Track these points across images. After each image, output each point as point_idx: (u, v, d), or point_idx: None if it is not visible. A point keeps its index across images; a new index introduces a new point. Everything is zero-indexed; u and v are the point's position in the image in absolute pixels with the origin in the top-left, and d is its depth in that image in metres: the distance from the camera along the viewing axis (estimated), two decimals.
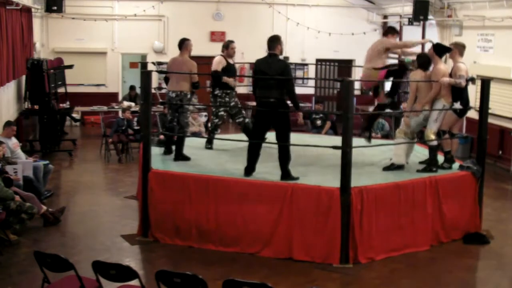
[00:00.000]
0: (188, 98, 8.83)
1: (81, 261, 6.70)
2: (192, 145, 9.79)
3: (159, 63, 11.02)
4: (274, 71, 7.54)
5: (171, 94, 8.79)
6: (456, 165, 8.49)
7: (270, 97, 7.54)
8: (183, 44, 8.93)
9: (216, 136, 9.78)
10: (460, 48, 8.25)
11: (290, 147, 7.74)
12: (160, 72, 11.61)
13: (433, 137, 8.17)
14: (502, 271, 7.37)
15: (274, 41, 7.76)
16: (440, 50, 8.21)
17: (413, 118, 8.26)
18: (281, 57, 7.90)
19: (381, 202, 7.43)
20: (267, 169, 7.89)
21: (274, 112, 7.54)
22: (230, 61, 9.52)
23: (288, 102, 7.72)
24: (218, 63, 9.41)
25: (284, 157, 7.72)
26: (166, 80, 9.24)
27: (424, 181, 7.81)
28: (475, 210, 8.33)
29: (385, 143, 9.87)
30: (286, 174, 7.69)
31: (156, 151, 8.98)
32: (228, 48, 9.49)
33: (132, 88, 16.22)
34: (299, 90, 16.90)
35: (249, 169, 7.82)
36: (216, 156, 9.09)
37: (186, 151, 9.32)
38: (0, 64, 10.14)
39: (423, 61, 8.26)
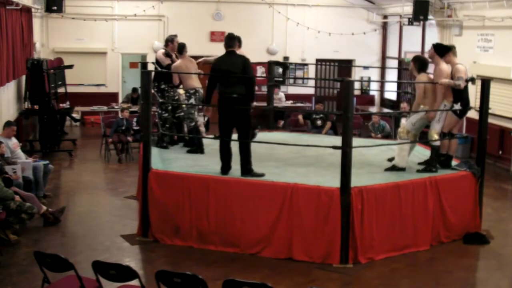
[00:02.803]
0: None
1: (81, 261, 6.70)
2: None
3: None
4: (236, 67, 7.70)
5: (202, 90, 9.18)
6: (454, 163, 8.50)
7: (233, 93, 7.67)
8: (185, 47, 9.30)
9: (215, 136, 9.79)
10: (453, 50, 8.28)
11: (251, 143, 7.83)
12: (161, 72, 11.56)
13: (436, 137, 8.17)
14: (502, 271, 7.37)
15: (233, 39, 7.91)
16: (440, 50, 8.21)
17: (419, 120, 8.26)
18: (240, 53, 8.05)
19: (381, 202, 7.42)
20: (264, 169, 7.87)
21: (237, 108, 7.65)
22: (174, 55, 9.57)
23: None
24: (165, 58, 9.46)
25: (244, 153, 7.77)
26: (169, 79, 9.32)
27: (424, 181, 7.81)
28: (475, 210, 8.33)
29: (385, 143, 9.88)
30: (246, 171, 7.74)
31: (156, 150, 8.99)
32: (173, 42, 9.54)
33: (134, 90, 16.20)
34: (299, 90, 17.22)
35: (225, 168, 7.88)
36: (216, 156, 9.06)
37: (184, 150, 9.35)
38: (0, 64, 10.13)
39: (423, 64, 8.27)
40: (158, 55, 9.57)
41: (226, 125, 7.87)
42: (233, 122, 7.82)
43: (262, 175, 7.72)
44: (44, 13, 15.40)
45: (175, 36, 9.69)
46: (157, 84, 9.48)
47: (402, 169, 8.25)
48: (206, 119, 14.89)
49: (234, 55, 7.88)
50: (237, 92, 7.68)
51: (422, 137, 8.96)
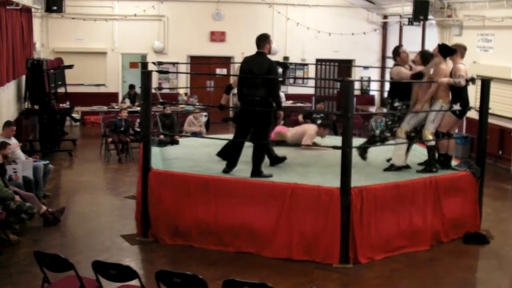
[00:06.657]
0: None
1: (81, 261, 6.71)
2: (192, 144, 9.81)
3: (160, 63, 11.00)
4: (261, 69, 7.57)
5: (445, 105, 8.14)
6: (454, 164, 8.50)
7: (256, 95, 7.59)
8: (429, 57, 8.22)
9: (216, 136, 9.81)
10: (461, 50, 8.17)
11: (265, 146, 7.80)
12: (161, 72, 11.60)
13: (430, 137, 8.16)
14: (502, 271, 7.37)
15: (263, 40, 7.74)
16: (445, 50, 8.14)
17: (414, 117, 8.24)
18: (270, 56, 7.87)
19: (381, 202, 7.42)
20: (264, 169, 7.87)
21: (258, 110, 7.58)
22: (406, 67, 8.39)
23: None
24: (404, 69, 8.28)
25: (257, 154, 7.76)
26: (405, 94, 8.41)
27: (424, 181, 7.81)
28: (475, 210, 8.33)
29: (384, 143, 9.86)
30: (256, 172, 7.73)
31: (156, 150, 8.99)
32: (400, 55, 8.33)
33: (131, 87, 16.22)
34: (299, 90, 17.23)
35: (231, 164, 7.88)
36: (216, 156, 9.07)
37: (184, 150, 9.35)
38: (0, 64, 10.13)
39: (428, 58, 8.19)
40: (396, 70, 8.25)
41: (244, 126, 7.86)
42: (252, 124, 7.76)
43: (270, 176, 7.71)
44: (44, 13, 15.41)
45: (399, 46, 8.53)
46: (390, 101, 8.39)
47: (400, 168, 8.25)
48: (206, 119, 14.92)
49: (261, 56, 7.69)
50: (259, 95, 7.58)
51: (421, 137, 8.94)
